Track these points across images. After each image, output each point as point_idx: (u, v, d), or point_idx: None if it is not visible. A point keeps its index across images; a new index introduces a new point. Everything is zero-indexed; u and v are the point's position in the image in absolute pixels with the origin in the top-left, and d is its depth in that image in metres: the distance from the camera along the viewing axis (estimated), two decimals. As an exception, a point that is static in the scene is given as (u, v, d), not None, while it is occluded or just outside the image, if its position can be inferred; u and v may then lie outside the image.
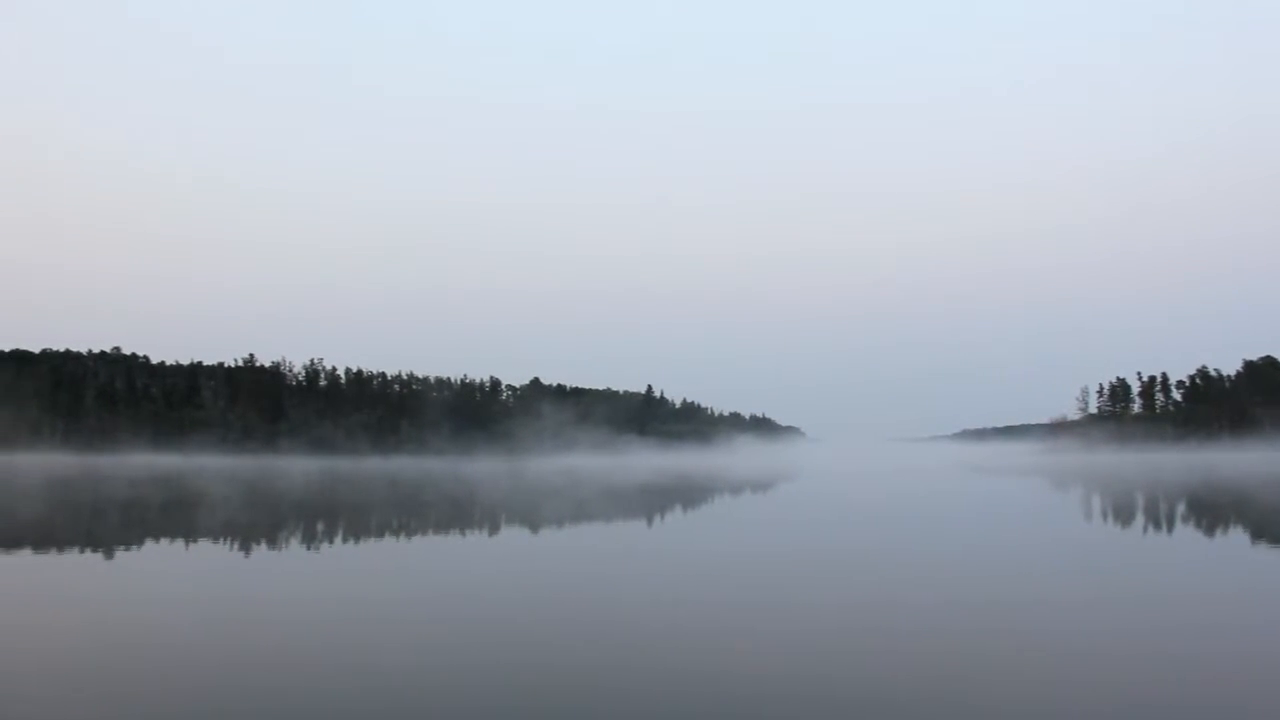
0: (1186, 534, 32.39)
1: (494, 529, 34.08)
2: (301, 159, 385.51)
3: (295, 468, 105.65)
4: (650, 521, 37.45)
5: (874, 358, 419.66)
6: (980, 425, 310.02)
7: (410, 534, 32.19)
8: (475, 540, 29.88)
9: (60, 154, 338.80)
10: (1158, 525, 35.76)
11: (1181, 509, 43.70)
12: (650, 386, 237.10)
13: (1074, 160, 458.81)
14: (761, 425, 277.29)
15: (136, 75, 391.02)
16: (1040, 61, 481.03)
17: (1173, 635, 14.07)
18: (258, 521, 36.31)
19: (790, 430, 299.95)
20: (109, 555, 24.38)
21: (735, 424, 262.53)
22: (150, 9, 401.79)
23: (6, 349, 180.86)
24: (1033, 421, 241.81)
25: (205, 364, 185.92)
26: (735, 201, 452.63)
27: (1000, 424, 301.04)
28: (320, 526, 34.72)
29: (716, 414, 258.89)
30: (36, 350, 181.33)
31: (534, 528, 34.36)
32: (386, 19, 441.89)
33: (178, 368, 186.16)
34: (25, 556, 24.64)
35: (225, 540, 28.91)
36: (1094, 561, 24.00)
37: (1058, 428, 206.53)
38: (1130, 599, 17.47)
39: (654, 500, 50.39)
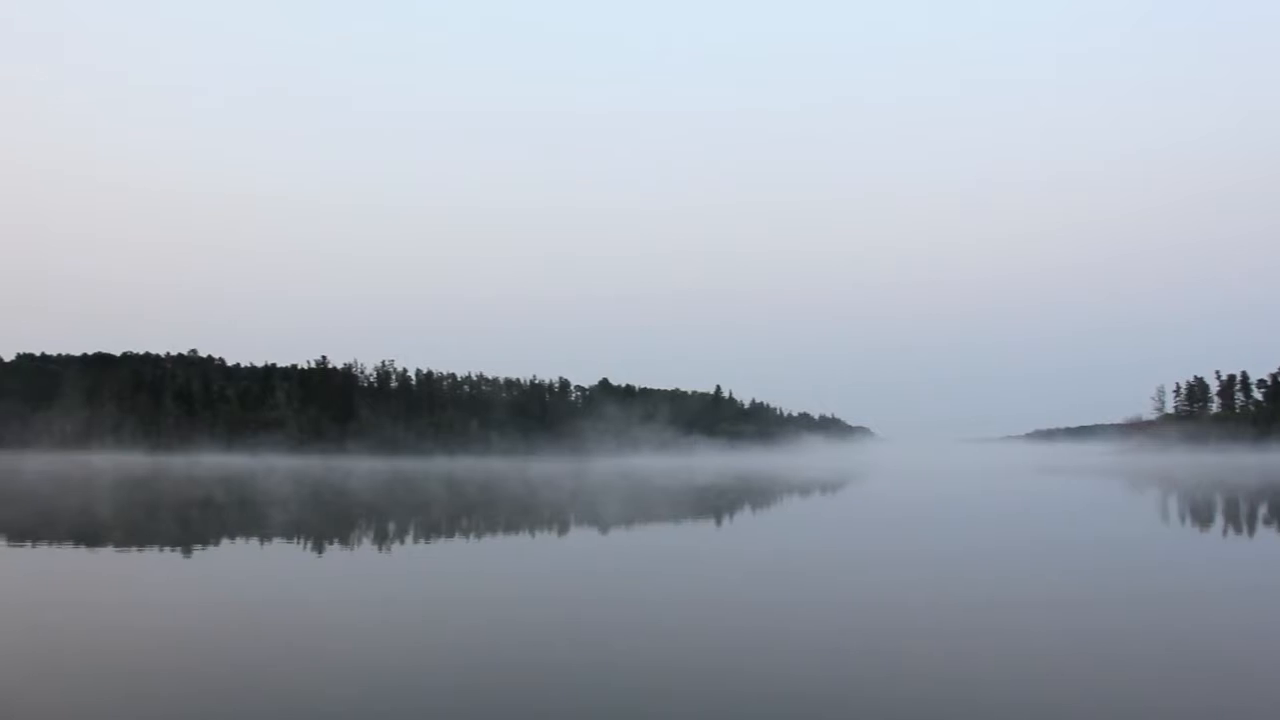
0: (1272, 538, 30.72)
1: (547, 529, 33.85)
2: (369, 170, 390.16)
3: (361, 468, 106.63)
4: (703, 522, 36.76)
5: (945, 357, 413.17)
6: (1052, 425, 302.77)
7: (463, 534, 32.01)
8: (526, 541, 29.62)
9: (141, 167, 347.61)
10: (1238, 528, 33.99)
11: (1263, 511, 41.65)
12: (719, 387, 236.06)
13: (1145, 145, 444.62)
14: (830, 425, 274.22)
15: (208, 86, 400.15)
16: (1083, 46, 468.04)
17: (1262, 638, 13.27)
18: (310, 521, 36.40)
19: (859, 430, 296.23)
20: (167, 552, 24.45)
21: (804, 424, 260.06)
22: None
23: (90, 352, 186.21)
24: (1106, 421, 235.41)
25: (279, 366, 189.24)
26: (804, 200, 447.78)
27: (1073, 424, 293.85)
28: (377, 527, 34.73)
29: (785, 414, 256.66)
30: (117, 353, 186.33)
31: (582, 529, 34.05)
32: (452, 29, 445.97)
33: (252, 370, 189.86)
34: (71, 551, 24.96)
35: (273, 539, 28.93)
36: (1176, 562, 22.78)
37: (1132, 428, 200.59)
38: (1217, 602, 16.59)
39: (710, 501, 49.73)
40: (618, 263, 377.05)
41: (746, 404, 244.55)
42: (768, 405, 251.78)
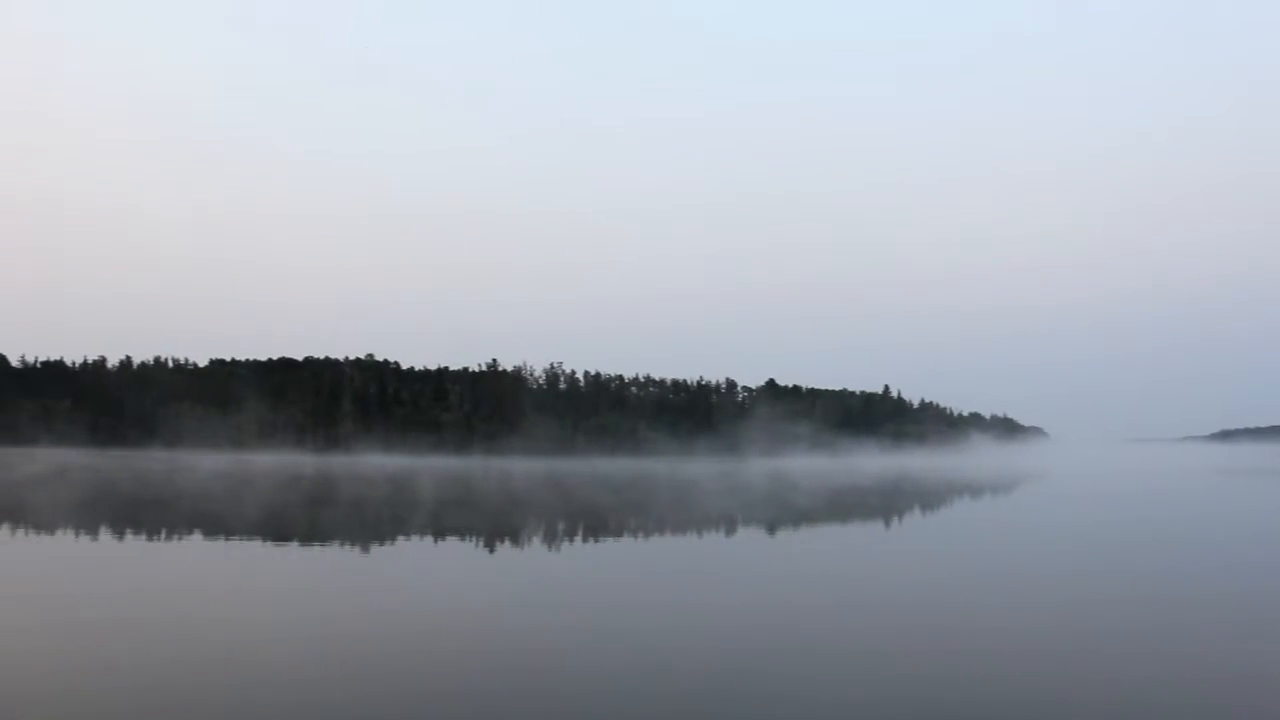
0: None
1: (675, 531, 32.62)
2: (542, 176, 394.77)
3: (518, 469, 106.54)
4: (826, 528, 34.09)
5: (1125, 356, 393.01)
6: (1239, 425, 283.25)
7: (595, 536, 30.70)
8: (655, 543, 28.61)
9: (325, 175, 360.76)
10: None
11: None
12: (887, 386, 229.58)
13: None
14: (1002, 425, 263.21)
15: (389, 98, 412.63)
16: None
17: None
18: (443, 520, 35.78)
19: (1033, 430, 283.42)
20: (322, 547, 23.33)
21: (975, 424, 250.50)
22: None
23: (275, 357, 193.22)
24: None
25: (451, 369, 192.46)
26: (988, 172, 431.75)
27: (1264, 423, 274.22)
28: (523, 527, 33.80)
29: (956, 414, 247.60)
30: (300, 358, 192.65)
31: (702, 530, 33.02)
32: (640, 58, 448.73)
33: (425, 373, 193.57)
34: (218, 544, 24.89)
35: (440, 539, 28.35)
36: None
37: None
38: None
39: (846, 507, 47.01)
40: (789, 255, 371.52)
41: (916, 403, 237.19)
42: (937, 405, 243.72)
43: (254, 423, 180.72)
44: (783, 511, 42.61)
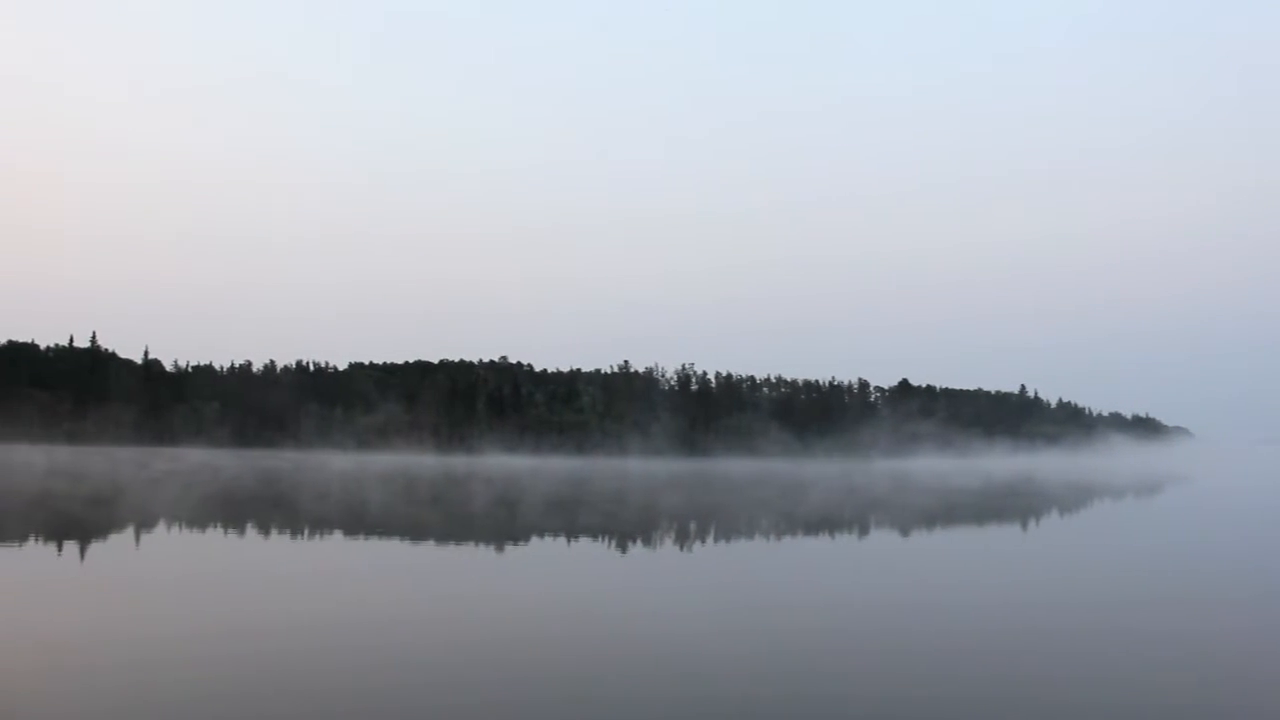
0: None
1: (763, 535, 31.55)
2: (681, 183, 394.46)
3: (633, 469, 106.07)
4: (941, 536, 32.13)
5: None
6: None
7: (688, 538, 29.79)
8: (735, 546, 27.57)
9: (473, 180, 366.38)
10: None
11: None
12: (1023, 386, 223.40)
13: None
14: (1144, 426, 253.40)
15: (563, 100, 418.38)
16: None
17: None
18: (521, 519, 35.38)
19: (1176, 431, 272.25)
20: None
21: (1114, 424, 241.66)
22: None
23: (411, 360, 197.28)
24: None
25: (583, 370, 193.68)
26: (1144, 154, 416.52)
27: None
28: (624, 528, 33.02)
29: (1095, 414, 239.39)
30: (435, 360, 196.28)
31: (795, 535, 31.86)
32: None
33: (558, 374, 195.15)
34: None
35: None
36: None
37: None
38: None
39: (962, 510, 44.94)
40: (920, 257, 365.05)
41: (1052, 403, 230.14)
42: (1075, 404, 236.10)
43: (389, 424, 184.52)
44: (862, 514, 40.96)
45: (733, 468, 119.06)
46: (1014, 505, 49.22)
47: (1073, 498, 57.48)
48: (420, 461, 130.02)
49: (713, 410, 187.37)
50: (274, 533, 27.81)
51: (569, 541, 27.44)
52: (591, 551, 24.44)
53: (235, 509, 36.19)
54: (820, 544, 28.37)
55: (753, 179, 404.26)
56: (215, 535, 26.38)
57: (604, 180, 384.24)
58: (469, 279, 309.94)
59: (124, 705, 8.99)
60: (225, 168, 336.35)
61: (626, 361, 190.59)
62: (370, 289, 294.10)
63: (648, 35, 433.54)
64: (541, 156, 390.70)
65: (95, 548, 22.45)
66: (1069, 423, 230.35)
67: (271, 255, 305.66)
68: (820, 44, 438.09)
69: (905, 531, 33.21)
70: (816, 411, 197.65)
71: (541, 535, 27.92)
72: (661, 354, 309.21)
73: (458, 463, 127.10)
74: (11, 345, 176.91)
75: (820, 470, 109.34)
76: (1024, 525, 38.15)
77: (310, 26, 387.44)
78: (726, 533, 31.00)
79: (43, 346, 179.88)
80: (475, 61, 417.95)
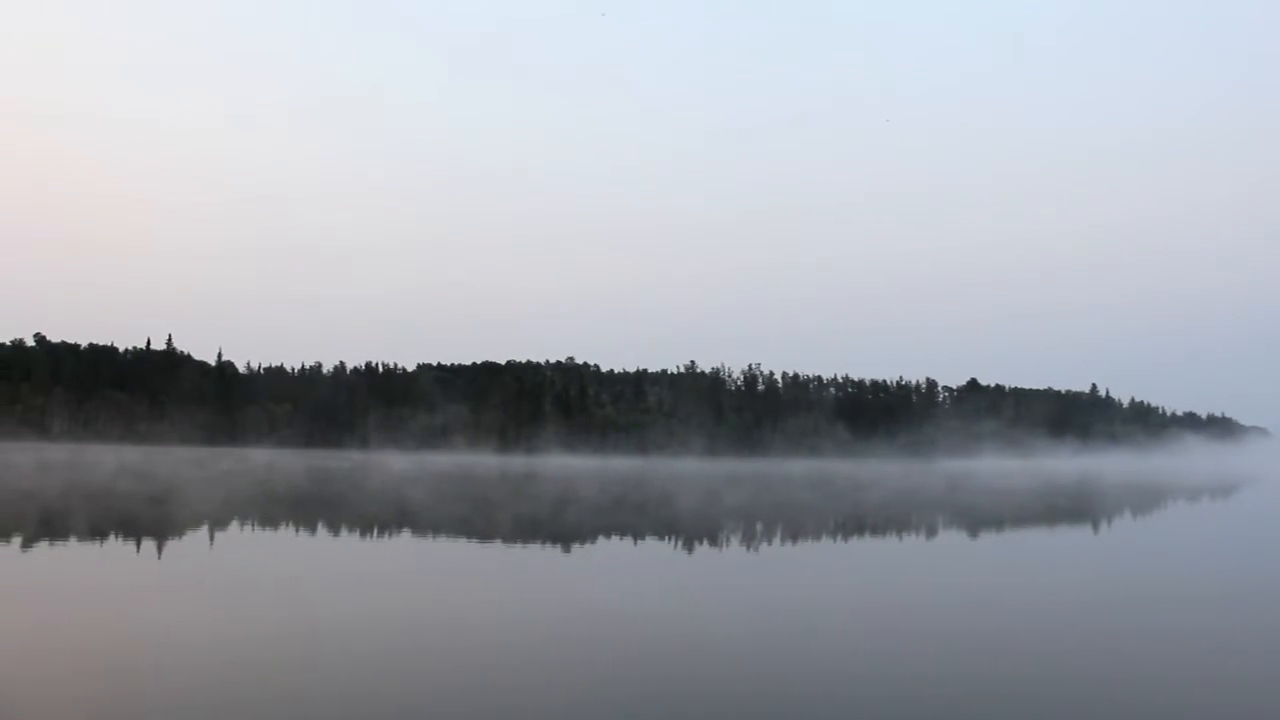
0: None
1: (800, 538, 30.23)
2: (746, 183, 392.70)
3: (689, 469, 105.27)
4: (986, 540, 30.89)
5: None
6: None
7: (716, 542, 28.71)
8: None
9: (537, 181, 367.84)
10: None
11: None
12: (1094, 385, 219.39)
13: None
14: (1219, 425, 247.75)
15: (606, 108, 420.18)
16: None
17: None
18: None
19: (1254, 431, 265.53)
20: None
21: (1188, 424, 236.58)
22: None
23: (479, 361, 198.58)
24: None
25: (649, 371, 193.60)
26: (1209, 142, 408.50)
27: None
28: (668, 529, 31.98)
29: (1168, 414, 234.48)
30: (502, 362, 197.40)
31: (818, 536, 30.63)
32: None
33: (625, 375, 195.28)
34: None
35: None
36: None
37: None
38: None
39: (1012, 512, 42.65)
40: (987, 251, 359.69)
41: (1125, 403, 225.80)
42: (1148, 404, 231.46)
43: (457, 424, 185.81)
44: (905, 515, 39.67)
45: (792, 468, 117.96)
46: (1069, 507, 47.27)
47: (1132, 499, 54.87)
48: (480, 461, 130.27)
49: (777, 410, 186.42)
50: (306, 532, 27.97)
51: (609, 540, 27.24)
52: (629, 553, 24.32)
53: (277, 509, 36.42)
54: (855, 545, 27.92)
55: (820, 173, 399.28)
56: (247, 534, 26.71)
57: (678, 183, 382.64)
58: (536, 282, 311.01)
59: (159, 706, 8.95)
60: (314, 181, 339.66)
61: (693, 361, 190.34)
62: (439, 291, 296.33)
63: (737, 42, 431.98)
64: (612, 163, 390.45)
65: (129, 547, 22.64)
66: (1140, 422, 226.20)
67: (344, 261, 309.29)
68: (875, 40, 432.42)
69: (945, 533, 32.38)
70: (880, 411, 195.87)
71: (582, 539, 27.62)
72: (729, 354, 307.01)
73: (516, 463, 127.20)
74: (93, 348, 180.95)
75: (878, 471, 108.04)
76: (1079, 527, 36.86)
77: (400, 45, 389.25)
78: (769, 535, 30.44)
79: (121, 349, 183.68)
80: (542, 76, 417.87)
